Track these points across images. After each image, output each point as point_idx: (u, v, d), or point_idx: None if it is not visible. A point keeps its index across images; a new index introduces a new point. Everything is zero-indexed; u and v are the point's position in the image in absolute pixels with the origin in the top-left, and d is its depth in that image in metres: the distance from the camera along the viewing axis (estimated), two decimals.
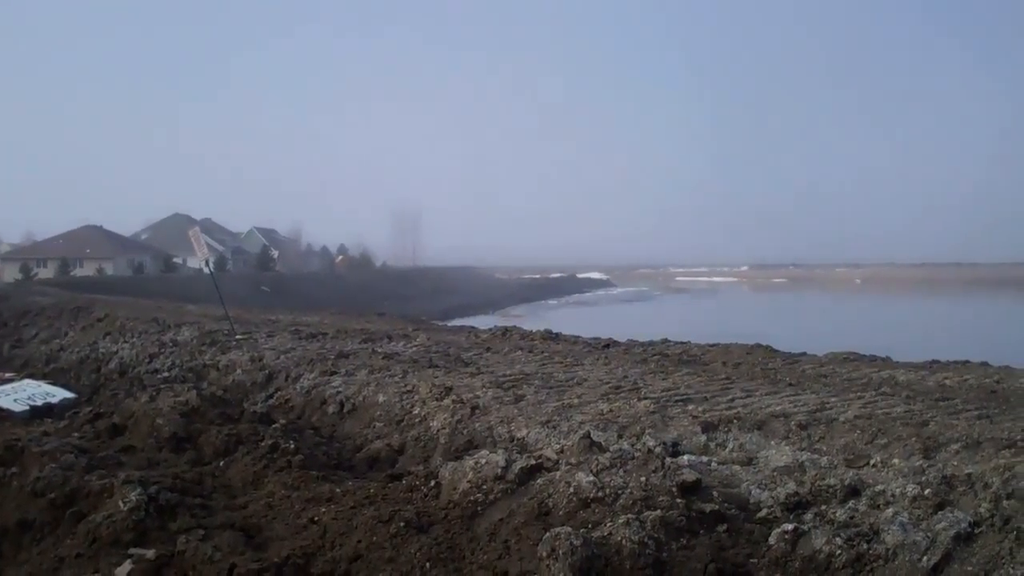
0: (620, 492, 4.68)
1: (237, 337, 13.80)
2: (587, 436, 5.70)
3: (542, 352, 11.68)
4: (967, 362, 10.34)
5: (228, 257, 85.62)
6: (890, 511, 4.33)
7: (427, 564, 4.22)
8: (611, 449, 5.56)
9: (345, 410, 8.56)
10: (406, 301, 59.46)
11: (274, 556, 4.40)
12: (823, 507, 4.63)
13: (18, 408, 9.61)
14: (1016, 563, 3.65)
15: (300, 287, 63.90)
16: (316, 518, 4.94)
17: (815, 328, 45.49)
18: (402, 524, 4.58)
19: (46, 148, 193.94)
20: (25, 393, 10.29)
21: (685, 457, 5.72)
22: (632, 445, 5.89)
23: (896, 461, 5.18)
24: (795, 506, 4.74)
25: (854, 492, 4.74)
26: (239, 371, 11.19)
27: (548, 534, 4.14)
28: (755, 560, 4.20)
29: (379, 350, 11.77)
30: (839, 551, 4.04)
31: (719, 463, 5.61)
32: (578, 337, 14.27)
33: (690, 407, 7.05)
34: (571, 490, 4.71)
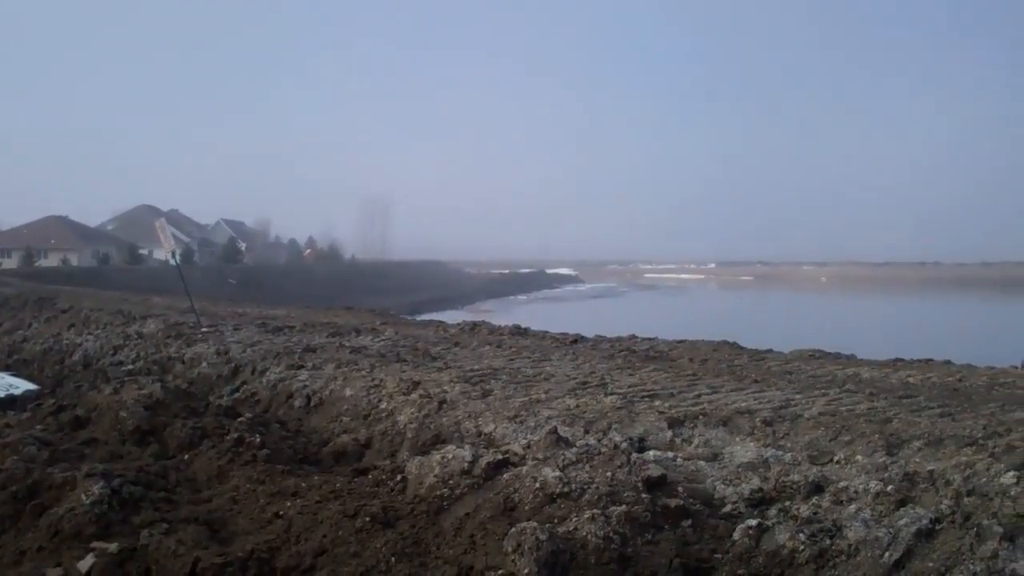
0: (586, 487, 4.69)
1: (203, 330, 13.67)
2: (554, 431, 5.71)
3: (510, 347, 11.69)
4: (930, 360, 10.49)
5: (195, 249, 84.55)
6: (853, 507, 4.39)
7: (392, 559, 4.20)
8: (577, 444, 5.58)
9: (312, 404, 8.52)
10: (374, 295, 59.15)
11: (238, 550, 4.37)
12: (787, 503, 4.68)
13: None
14: (976, 559, 3.71)
15: (267, 280, 63.34)
16: (281, 512, 4.90)
17: (781, 325, 46.02)
18: (368, 519, 4.56)
19: (10, 136, 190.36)
20: None
21: (651, 453, 5.76)
22: (598, 440, 5.92)
23: (859, 458, 5.25)
24: (759, 502, 4.79)
25: (818, 488, 4.80)
26: (205, 364, 11.08)
27: (514, 529, 4.15)
28: (719, 555, 4.24)
29: (346, 344, 11.71)
30: (802, 547, 4.08)
31: (684, 459, 5.66)
32: (546, 333, 14.31)
33: (656, 403, 7.09)
34: (537, 485, 4.72)
